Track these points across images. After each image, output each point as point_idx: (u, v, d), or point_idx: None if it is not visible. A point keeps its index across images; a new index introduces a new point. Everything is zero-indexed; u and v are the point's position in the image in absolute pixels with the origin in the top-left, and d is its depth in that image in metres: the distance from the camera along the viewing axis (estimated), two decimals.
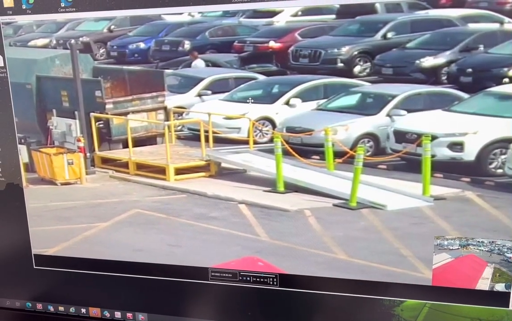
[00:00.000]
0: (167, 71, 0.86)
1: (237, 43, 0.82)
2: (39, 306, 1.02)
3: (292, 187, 0.86)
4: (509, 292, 0.78)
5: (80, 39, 0.87)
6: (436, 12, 0.72)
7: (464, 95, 0.75)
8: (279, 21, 0.79)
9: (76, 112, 0.92)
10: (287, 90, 0.84)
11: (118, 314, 0.98)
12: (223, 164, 0.91)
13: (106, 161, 0.96)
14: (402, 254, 0.81)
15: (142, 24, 0.84)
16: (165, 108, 0.90)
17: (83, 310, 1.00)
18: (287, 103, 0.84)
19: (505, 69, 0.71)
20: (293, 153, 0.83)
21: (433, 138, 0.77)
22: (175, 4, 0.79)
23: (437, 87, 0.76)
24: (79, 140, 0.93)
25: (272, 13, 0.79)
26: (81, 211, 0.95)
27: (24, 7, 0.86)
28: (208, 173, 0.91)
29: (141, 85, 0.90)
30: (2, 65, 0.89)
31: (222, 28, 0.82)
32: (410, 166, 0.79)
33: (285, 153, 0.84)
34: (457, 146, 0.77)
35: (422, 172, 0.78)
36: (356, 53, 0.79)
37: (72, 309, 1.00)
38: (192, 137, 0.89)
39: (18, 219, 0.97)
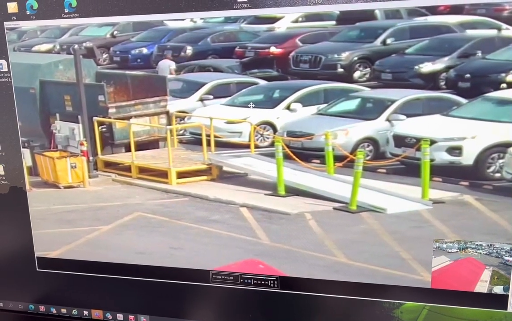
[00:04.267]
0: (169, 76, 0.87)
1: (238, 49, 0.83)
2: (42, 308, 1.02)
3: (293, 191, 0.86)
4: (507, 295, 0.79)
5: (84, 44, 0.88)
6: (434, 18, 0.73)
7: (463, 100, 0.76)
8: (280, 27, 0.80)
9: (79, 116, 0.92)
10: (287, 95, 0.84)
11: (120, 317, 0.99)
12: (224, 168, 0.91)
13: (108, 165, 0.96)
14: (401, 257, 0.81)
15: (144, 29, 0.85)
16: (167, 113, 0.91)
17: (86, 312, 1.00)
18: (288, 107, 0.85)
19: (503, 74, 0.72)
20: (294, 157, 0.84)
21: (432, 142, 0.78)
22: (178, 10, 0.80)
23: (436, 93, 0.77)
24: (82, 144, 0.94)
25: (273, 19, 0.80)
26: (83, 214, 0.95)
27: (28, 13, 0.87)
28: (210, 177, 0.91)
29: (144, 90, 0.91)
30: (6, 69, 0.90)
31: (224, 34, 0.83)
32: (409, 170, 0.80)
33: (286, 157, 0.84)
34: (455, 150, 0.78)
35: (421, 176, 0.79)
36: (356, 58, 0.80)
37: (74, 311, 1.01)
38: (194, 141, 0.90)
39: (21, 222, 0.97)
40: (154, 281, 0.94)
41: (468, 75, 0.75)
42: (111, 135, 0.95)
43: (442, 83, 0.76)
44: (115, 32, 0.87)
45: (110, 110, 0.92)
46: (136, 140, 0.95)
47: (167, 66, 0.86)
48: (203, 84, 0.88)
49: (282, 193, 0.87)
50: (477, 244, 0.78)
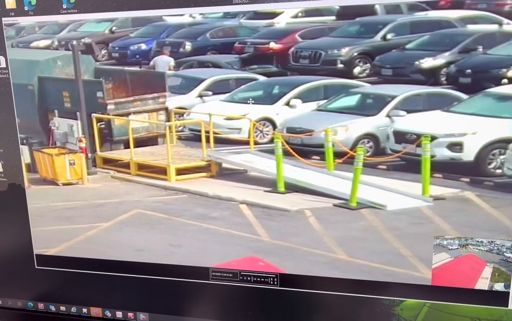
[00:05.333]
0: (168, 72, 0.87)
1: (237, 44, 0.83)
2: (41, 306, 1.02)
3: (293, 187, 0.86)
4: (508, 292, 0.79)
5: (82, 40, 0.88)
6: (435, 13, 0.72)
7: (463, 96, 0.75)
8: (280, 23, 0.79)
9: (77, 113, 0.92)
10: (287, 91, 0.84)
11: (119, 314, 0.98)
12: (224, 165, 0.91)
13: (107, 162, 0.96)
14: (401, 254, 0.81)
15: (143, 25, 0.84)
16: (166, 109, 0.90)
17: (85, 310, 1.00)
18: (287, 104, 0.84)
19: (504, 70, 0.72)
20: (294, 153, 0.84)
21: (433, 138, 0.78)
22: (176, 5, 0.80)
23: (437, 88, 0.76)
24: (80, 141, 0.94)
25: (273, 15, 0.79)
26: (82, 211, 0.95)
27: (26, 9, 0.86)
28: (209, 174, 0.91)
29: (143, 86, 0.90)
30: (4, 66, 0.90)
31: (223, 30, 0.82)
32: (409, 166, 0.79)
33: (286, 153, 0.84)
34: (456, 146, 0.78)
35: (421, 172, 0.78)
36: (356, 54, 0.80)
37: (73, 309, 1.01)
38: (193, 137, 0.90)
39: (20, 219, 0.97)
40: (153, 278, 0.94)
41: (469, 71, 0.74)
42: (110, 131, 0.95)
43: (443, 78, 0.76)
44: (114, 28, 0.87)
45: (109, 107, 0.92)
46: (135, 136, 0.95)
47: (165, 62, 0.86)
48: (202, 80, 0.88)
49: (282, 190, 0.86)
50: (478, 241, 0.78)
